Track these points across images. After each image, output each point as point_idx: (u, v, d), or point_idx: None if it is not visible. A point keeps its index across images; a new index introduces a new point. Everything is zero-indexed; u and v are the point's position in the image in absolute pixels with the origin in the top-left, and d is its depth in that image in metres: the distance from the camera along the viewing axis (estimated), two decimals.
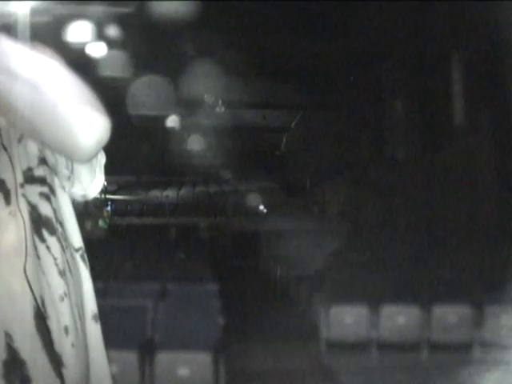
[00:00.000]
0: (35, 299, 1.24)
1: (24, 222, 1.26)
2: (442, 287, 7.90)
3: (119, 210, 20.78)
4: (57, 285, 1.30)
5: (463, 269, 8.58)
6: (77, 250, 1.41)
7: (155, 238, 16.93)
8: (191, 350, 5.67)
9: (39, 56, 1.21)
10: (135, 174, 23.45)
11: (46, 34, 7.80)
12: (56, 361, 1.26)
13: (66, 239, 1.38)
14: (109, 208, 19.88)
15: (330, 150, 18.93)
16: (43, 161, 1.36)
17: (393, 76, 15.33)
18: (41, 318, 1.25)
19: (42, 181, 1.35)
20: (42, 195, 1.34)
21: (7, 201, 1.26)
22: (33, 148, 1.35)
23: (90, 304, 1.41)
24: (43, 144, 1.32)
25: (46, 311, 1.26)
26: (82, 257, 1.42)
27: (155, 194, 22.91)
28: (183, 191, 23.48)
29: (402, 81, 15.09)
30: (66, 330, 1.29)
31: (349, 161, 17.49)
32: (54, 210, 1.36)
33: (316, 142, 20.35)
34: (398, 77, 15.12)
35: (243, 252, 15.29)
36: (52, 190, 1.37)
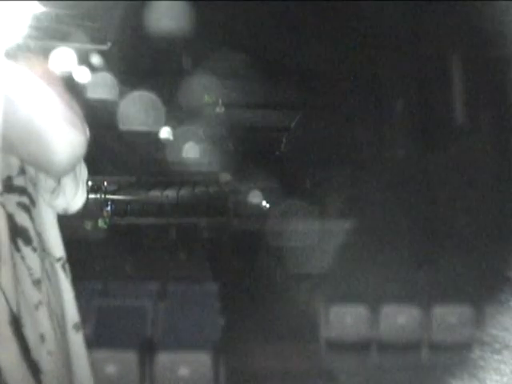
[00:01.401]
0: (10, 307, 1.24)
1: (1, 231, 1.26)
2: (441, 287, 7.90)
3: (119, 209, 20.74)
4: (31, 294, 1.30)
5: (463, 269, 8.58)
6: (57, 260, 1.41)
7: (155, 237, 16.91)
8: (191, 350, 5.68)
9: (16, 70, 1.21)
10: (135, 174, 23.43)
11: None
12: (33, 367, 1.26)
13: (45, 249, 1.37)
14: (109, 208, 19.85)
15: (330, 150, 18.91)
16: (24, 171, 1.35)
17: (393, 76, 15.32)
18: (17, 324, 1.25)
19: (21, 190, 1.34)
20: (20, 205, 1.33)
21: None
22: (14, 158, 1.33)
23: (71, 314, 1.40)
24: (18, 157, 1.32)
25: (21, 319, 1.26)
26: (62, 267, 1.41)
27: (155, 193, 22.88)
28: (183, 191, 23.45)
29: (402, 81, 15.08)
30: (42, 337, 1.29)
31: (349, 160, 17.47)
32: (33, 220, 1.35)
33: (316, 142, 20.33)
34: (398, 77, 15.11)
35: (243, 252, 15.26)
36: (32, 200, 1.36)
